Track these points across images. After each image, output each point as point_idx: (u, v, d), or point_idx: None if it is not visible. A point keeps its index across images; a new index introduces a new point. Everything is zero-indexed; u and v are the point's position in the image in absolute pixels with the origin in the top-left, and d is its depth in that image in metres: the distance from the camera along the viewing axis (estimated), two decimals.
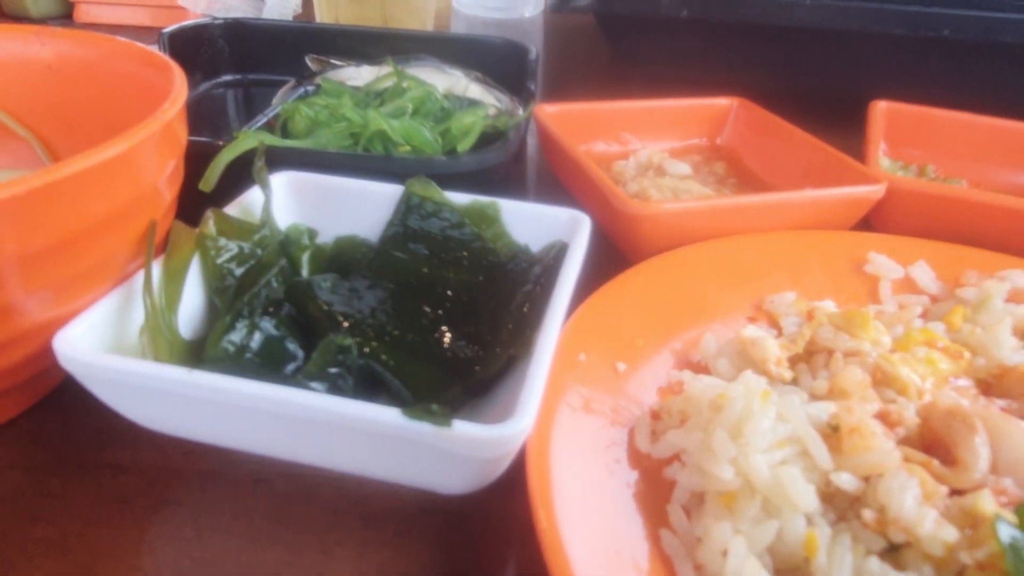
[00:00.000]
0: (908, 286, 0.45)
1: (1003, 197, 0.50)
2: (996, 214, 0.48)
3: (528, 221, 0.42)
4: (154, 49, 0.42)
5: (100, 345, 0.31)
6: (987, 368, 0.36)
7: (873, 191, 0.48)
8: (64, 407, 0.37)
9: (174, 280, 0.35)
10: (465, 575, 0.30)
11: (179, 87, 0.37)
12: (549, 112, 0.58)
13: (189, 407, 0.30)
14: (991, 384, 0.36)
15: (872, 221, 0.52)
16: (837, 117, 0.63)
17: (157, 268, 0.34)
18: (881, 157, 0.60)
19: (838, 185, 0.49)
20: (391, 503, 0.33)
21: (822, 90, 0.72)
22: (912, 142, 0.63)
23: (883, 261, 0.46)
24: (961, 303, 0.42)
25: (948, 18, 0.64)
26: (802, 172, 0.55)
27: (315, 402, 0.27)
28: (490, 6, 1.18)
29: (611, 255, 0.47)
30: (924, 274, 0.45)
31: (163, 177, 0.35)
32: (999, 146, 0.62)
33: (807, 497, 0.27)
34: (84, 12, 1.03)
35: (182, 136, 0.38)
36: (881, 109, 0.63)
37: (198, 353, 0.34)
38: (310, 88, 0.64)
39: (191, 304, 0.36)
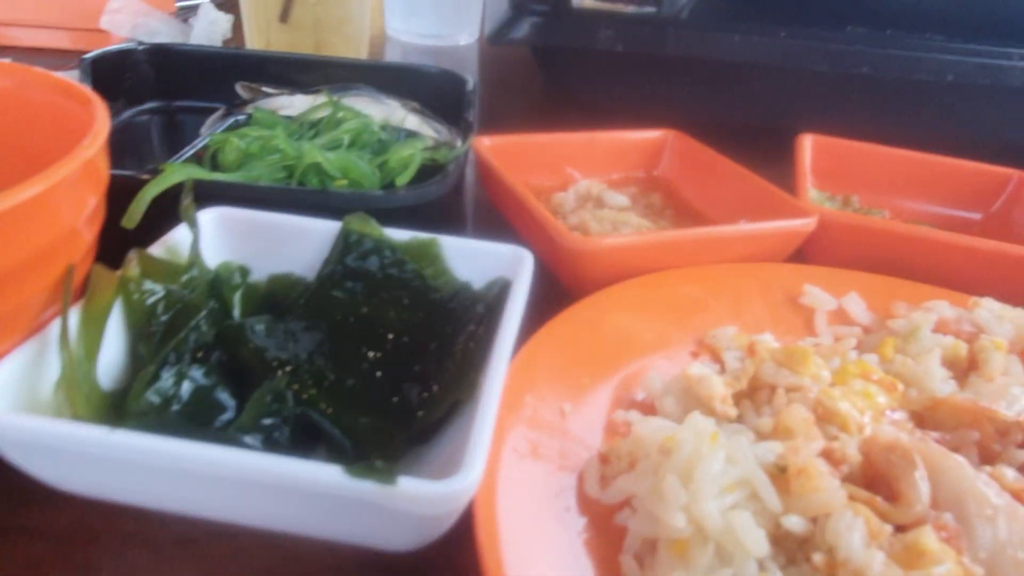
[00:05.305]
0: (841, 317, 0.47)
1: (926, 229, 0.52)
2: (921, 245, 0.50)
3: (469, 258, 0.42)
4: (74, 79, 0.40)
5: (12, 402, 0.28)
6: (919, 400, 0.38)
7: (806, 224, 0.50)
8: None
9: (94, 327, 0.33)
10: None
11: (101, 121, 0.35)
12: (488, 145, 0.58)
13: (110, 469, 0.28)
14: (924, 417, 0.37)
15: (804, 251, 0.53)
16: (766, 147, 0.65)
17: (75, 315, 0.32)
18: (809, 188, 0.62)
19: (771, 217, 0.51)
20: (328, 561, 0.32)
21: (751, 121, 0.74)
22: (836, 173, 0.65)
23: (817, 293, 0.47)
24: (892, 334, 0.44)
25: (867, 56, 0.67)
26: (736, 204, 0.57)
27: (248, 461, 0.26)
28: (424, 33, 1.17)
29: (552, 288, 0.46)
30: (856, 305, 0.47)
31: (83, 217, 0.33)
32: (916, 177, 0.65)
33: (759, 543, 0.27)
34: (2, 34, 0.98)
35: (104, 172, 0.36)
36: (808, 143, 0.65)
37: (120, 406, 0.32)
38: (240, 117, 0.62)
39: (113, 353, 0.34)
